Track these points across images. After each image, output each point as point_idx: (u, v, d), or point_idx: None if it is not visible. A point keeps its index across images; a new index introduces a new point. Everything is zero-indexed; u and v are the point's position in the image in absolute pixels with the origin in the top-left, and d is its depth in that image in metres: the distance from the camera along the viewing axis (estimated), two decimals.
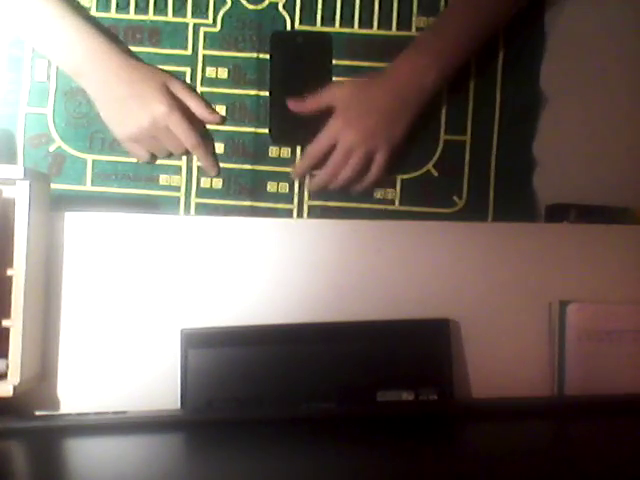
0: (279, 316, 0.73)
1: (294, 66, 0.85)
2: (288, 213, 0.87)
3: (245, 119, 0.86)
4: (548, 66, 0.89)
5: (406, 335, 0.73)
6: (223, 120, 0.86)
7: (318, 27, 0.86)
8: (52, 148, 0.86)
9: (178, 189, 0.87)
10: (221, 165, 0.87)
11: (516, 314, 0.75)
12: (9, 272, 0.66)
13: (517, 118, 0.88)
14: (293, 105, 0.83)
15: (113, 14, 0.85)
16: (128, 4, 0.86)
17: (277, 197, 0.87)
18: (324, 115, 0.82)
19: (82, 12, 0.84)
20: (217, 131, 0.86)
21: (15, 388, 0.64)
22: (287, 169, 0.87)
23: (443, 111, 0.87)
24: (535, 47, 0.88)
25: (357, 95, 0.81)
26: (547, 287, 0.75)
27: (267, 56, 0.86)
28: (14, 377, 0.65)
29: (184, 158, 0.86)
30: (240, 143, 0.86)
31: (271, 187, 0.87)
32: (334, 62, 0.86)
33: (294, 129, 0.85)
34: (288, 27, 0.86)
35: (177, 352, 0.71)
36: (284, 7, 0.86)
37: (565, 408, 0.72)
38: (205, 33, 0.86)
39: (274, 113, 0.85)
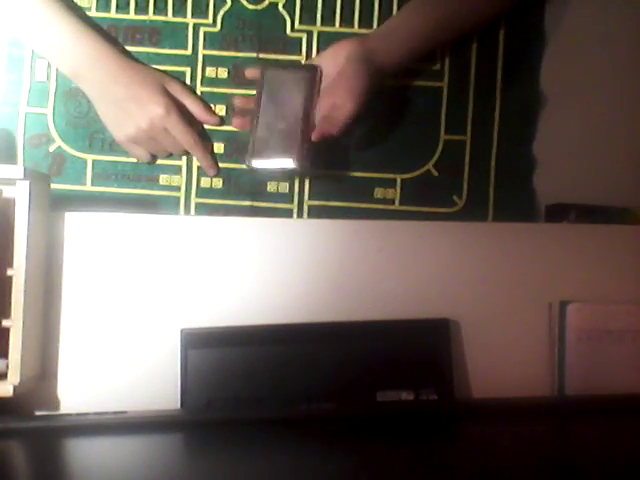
0: (279, 316, 0.73)
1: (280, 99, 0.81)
2: (288, 213, 0.87)
3: None
4: (548, 66, 0.89)
5: (406, 335, 0.73)
6: (221, 121, 0.86)
7: (318, 27, 0.86)
8: (52, 148, 0.86)
9: (178, 189, 0.87)
10: (221, 165, 0.87)
11: (516, 314, 0.75)
12: (9, 272, 0.66)
13: (517, 118, 0.88)
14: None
15: (113, 14, 0.85)
16: (128, 4, 0.86)
17: (277, 197, 0.87)
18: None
19: (79, 13, 0.84)
20: (217, 131, 0.86)
21: (15, 388, 0.64)
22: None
23: (443, 111, 0.88)
24: (535, 47, 0.88)
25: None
26: (547, 287, 0.75)
27: (268, 56, 0.86)
28: (14, 377, 0.65)
29: (184, 158, 0.86)
30: (240, 143, 0.86)
31: (271, 187, 0.87)
32: None
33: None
34: (288, 27, 0.86)
35: (177, 352, 0.71)
36: (284, 7, 0.86)
37: (565, 408, 0.72)
38: (205, 33, 0.86)
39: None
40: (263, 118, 0.79)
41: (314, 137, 0.77)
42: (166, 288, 0.73)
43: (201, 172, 0.86)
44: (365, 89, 0.77)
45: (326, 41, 0.85)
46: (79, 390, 0.72)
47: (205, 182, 0.87)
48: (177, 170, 0.86)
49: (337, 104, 0.77)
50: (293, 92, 0.80)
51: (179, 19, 0.86)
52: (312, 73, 0.81)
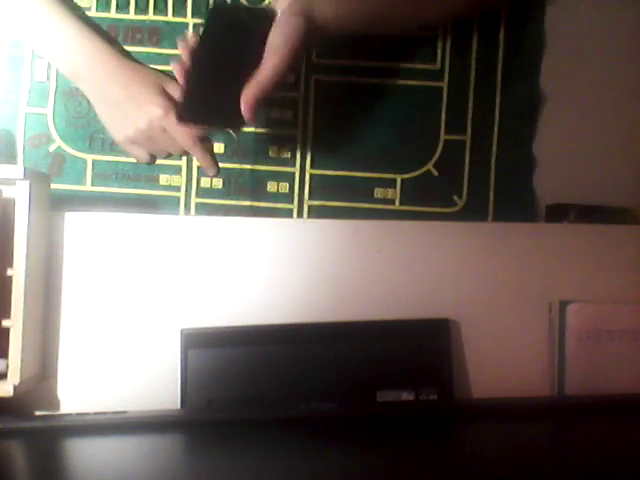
0: (279, 316, 0.73)
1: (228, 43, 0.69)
2: (288, 213, 0.87)
3: None
4: (548, 66, 0.89)
5: (406, 335, 0.73)
6: None
7: None
8: (52, 148, 0.86)
9: (178, 189, 0.87)
10: (221, 165, 0.86)
11: (516, 314, 0.75)
12: (9, 272, 0.66)
13: (517, 118, 0.88)
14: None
15: (113, 14, 0.85)
16: (128, 4, 0.85)
17: (277, 197, 0.87)
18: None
19: (78, 13, 0.84)
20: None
21: (15, 388, 0.65)
22: (287, 169, 0.87)
23: (443, 111, 0.87)
24: (535, 47, 0.88)
25: None
26: (547, 287, 0.75)
27: None
28: (14, 377, 0.65)
29: (184, 158, 0.86)
30: (240, 143, 0.86)
31: (271, 187, 0.87)
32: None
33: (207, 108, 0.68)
34: None
35: (177, 352, 0.71)
36: None
37: (565, 408, 0.72)
38: None
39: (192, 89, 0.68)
40: (202, 66, 0.66)
41: (242, 108, 0.66)
42: (166, 288, 0.73)
43: (201, 172, 0.86)
44: (296, 44, 0.68)
45: None
46: (79, 390, 0.72)
47: (205, 182, 0.87)
48: (177, 170, 0.86)
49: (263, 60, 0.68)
50: (244, 37, 0.67)
51: (179, 19, 0.86)
52: (269, 16, 0.68)
